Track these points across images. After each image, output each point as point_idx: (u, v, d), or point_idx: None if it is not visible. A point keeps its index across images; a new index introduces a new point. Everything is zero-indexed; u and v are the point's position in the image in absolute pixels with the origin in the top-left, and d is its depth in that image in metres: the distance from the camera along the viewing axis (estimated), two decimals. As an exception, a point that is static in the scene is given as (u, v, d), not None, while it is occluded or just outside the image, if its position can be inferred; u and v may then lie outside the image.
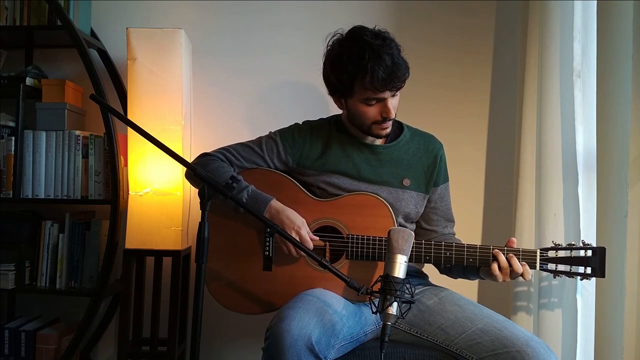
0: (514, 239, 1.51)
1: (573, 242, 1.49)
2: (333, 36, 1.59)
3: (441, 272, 1.70)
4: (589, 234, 1.60)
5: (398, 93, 1.56)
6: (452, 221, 1.74)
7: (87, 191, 2.10)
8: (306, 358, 1.30)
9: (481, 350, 1.39)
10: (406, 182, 1.63)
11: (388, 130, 1.61)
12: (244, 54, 2.29)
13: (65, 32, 2.04)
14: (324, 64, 1.61)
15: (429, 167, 1.66)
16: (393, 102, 1.55)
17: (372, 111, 1.55)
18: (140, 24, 2.18)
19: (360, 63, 1.48)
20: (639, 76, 1.40)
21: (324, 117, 1.76)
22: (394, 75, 1.48)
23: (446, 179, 1.71)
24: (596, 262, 1.45)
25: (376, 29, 1.55)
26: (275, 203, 1.56)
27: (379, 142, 1.67)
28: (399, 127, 1.71)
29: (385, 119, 1.56)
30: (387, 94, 1.52)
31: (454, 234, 1.75)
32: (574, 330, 1.62)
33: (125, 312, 2.01)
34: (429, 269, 1.73)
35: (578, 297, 1.61)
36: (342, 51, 1.53)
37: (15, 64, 2.29)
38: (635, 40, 1.41)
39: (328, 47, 1.59)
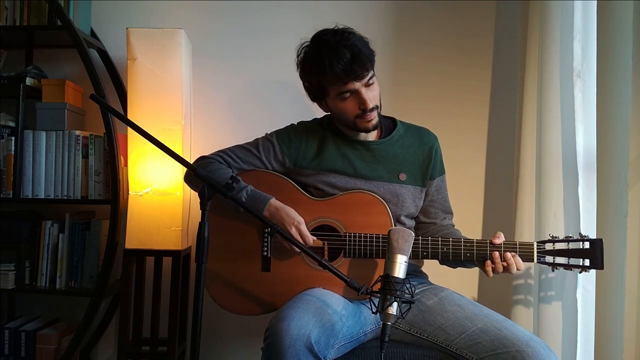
0: (500, 233, 1.51)
1: (570, 235, 1.49)
2: (301, 46, 1.62)
3: (441, 263, 1.70)
4: (589, 234, 1.59)
5: (375, 83, 1.57)
6: (450, 213, 1.74)
7: (87, 191, 2.10)
8: (305, 358, 1.30)
9: (481, 350, 1.39)
10: (402, 176, 1.64)
11: (373, 122, 1.60)
12: (244, 55, 2.29)
13: (65, 32, 2.04)
14: (299, 74, 1.64)
15: (424, 161, 1.67)
16: (369, 94, 1.55)
17: (350, 105, 1.56)
18: (140, 24, 2.17)
19: (318, 61, 1.53)
20: (639, 76, 1.40)
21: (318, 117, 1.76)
22: (354, 64, 1.50)
23: (442, 172, 1.72)
24: (594, 254, 1.45)
25: (336, 27, 1.58)
26: (274, 201, 1.56)
27: (372, 138, 1.67)
28: (392, 122, 1.72)
29: (364, 110, 1.56)
30: (356, 85, 1.53)
31: (453, 225, 1.75)
32: (574, 329, 1.62)
33: (125, 312, 2.01)
34: (429, 269, 1.73)
35: (578, 296, 1.61)
36: (306, 56, 1.60)
37: (15, 64, 2.29)
38: (635, 40, 1.41)
39: (297, 57, 1.63)
